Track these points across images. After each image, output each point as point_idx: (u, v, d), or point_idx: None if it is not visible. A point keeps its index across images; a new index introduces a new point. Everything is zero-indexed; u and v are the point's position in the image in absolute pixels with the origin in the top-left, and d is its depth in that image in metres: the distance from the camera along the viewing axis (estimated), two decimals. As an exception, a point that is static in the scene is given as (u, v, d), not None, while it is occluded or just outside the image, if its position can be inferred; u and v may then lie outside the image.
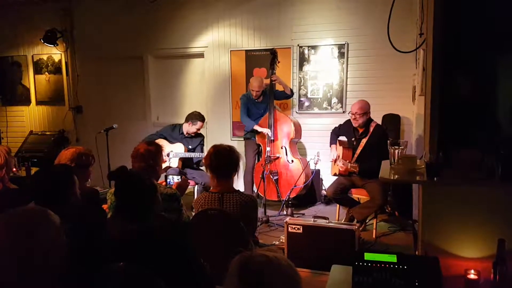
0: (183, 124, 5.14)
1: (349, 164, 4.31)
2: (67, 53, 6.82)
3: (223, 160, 2.67)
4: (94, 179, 4.06)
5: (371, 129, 4.36)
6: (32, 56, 7.01)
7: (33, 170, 5.93)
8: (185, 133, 5.11)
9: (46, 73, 7.00)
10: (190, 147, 5.08)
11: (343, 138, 4.64)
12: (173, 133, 5.16)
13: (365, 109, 4.32)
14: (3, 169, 2.84)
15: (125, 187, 2.04)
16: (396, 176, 2.42)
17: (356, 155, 4.38)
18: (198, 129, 5.07)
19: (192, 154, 4.98)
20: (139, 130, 6.34)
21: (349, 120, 4.55)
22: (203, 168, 5.05)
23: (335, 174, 4.61)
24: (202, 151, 5.07)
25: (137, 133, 5.99)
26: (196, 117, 5.04)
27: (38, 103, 7.13)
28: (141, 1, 6.23)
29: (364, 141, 4.36)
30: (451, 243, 2.19)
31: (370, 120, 4.40)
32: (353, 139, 4.47)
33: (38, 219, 1.46)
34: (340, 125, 4.75)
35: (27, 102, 7.17)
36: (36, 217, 1.47)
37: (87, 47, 6.75)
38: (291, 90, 5.42)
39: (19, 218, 1.45)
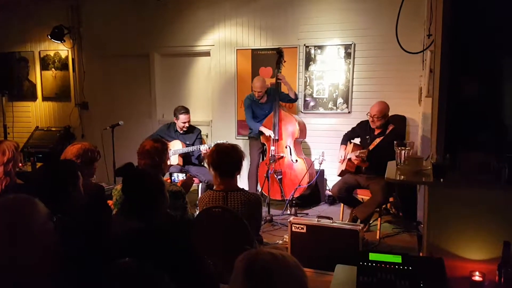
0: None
1: (359, 151, 4.31)
2: (74, 49, 6.85)
3: (225, 159, 2.67)
4: (99, 175, 4.09)
5: (388, 131, 4.36)
6: (39, 52, 7.04)
7: (39, 165, 5.96)
8: (178, 129, 5.12)
9: (53, 69, 7.03)
10: (187, 142, 5.08)
11: (355, 142, 4.66)
12: (169, 131, 5.18)
13: (383, 112, 4.33)
14: (10, 164, 2.86)
15: (132, 184, 2.05)
16: (402, 176, 2.42)
17: (367, 152, 4.38)
18: (185, 121, 5.03)
19: (190, 149, 4.98)
20: (144, 127, 6.36)
21: (364, 120, 4.59)
22: (206, 165, 5.06)
23: (340, 174, 4.62)
24: (200, 144, 5.05)
25: (143, 130, 6.01)
26: (178, 111, 5.06)
27: (44, 99, 7.16)
28: (148, -1, 6.26)
29: (378, 140, 4.37)
30: (456, 244, 2.18)
31: (388, 122, 4.41)
32: (367, 137, 4.48)
33: (25, 206, 1.50)
34: (353, 128, 4.76)
35: (33, 97, 7.20)
36: (23, 204, 1.50)
37: (94, 44, 6.77)
38: (296, 95, 5.35)
39: (6, 205, 1.48)
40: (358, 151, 4.33)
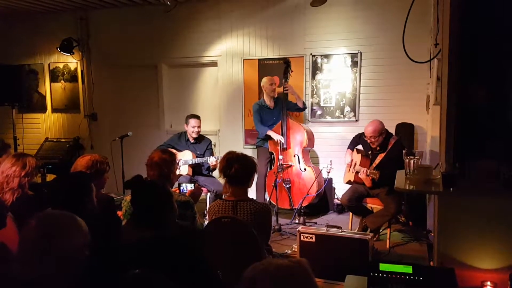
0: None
1: (369, 170, 4.24)
2: (82, 61, 6.93)
3: (238, 167, 2.67)
4: (109, 186, 4.11)
5: (390, 145, 4.25)
6: (49, 65, 7.13)
7: (48, 176, 6.01)
8: (190, 139, 5.13)
9: (62, 81, 7.11)
10: (198, 152, 5.09)
11: (361, 148, 4.61)
12: (180, 141, 5.19)
13: (378, 130, 4.20)
14: (26, 178, 2.93)
15: (141, 196, 2.07)
16: (412, 186, 2.41)
17: (373, 165, 4.32)
18: (195, 125, 5.03)
19: (201, 160, 4.99)
20: (153, 137, 6.40)
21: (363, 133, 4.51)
22: (214, 175, 5.06)
23: (348, 182, 4.59)
24: (211, 155, 5.06)
25: (151, 141, 6.05)
26: (188, 116, 5.09)
27: (54, 110, 7.24)
28: (156, 11, 6.32)
29: (381, 155, 4.28)
30: (467, 254, 2.16)
31: (389, 136, 4.32)
32: (369, 152, 4.43)
33: (69, 222, 1.51)
34: (359, 136, 4.66)
35: (43, 109, 7.28)
36: (66, 220, 1.52)
37: (102, 55, 6.85)
38: (304, 104, 5.35)
39: (51, 220, 1.50)
40: (368, 171, 4.23)
